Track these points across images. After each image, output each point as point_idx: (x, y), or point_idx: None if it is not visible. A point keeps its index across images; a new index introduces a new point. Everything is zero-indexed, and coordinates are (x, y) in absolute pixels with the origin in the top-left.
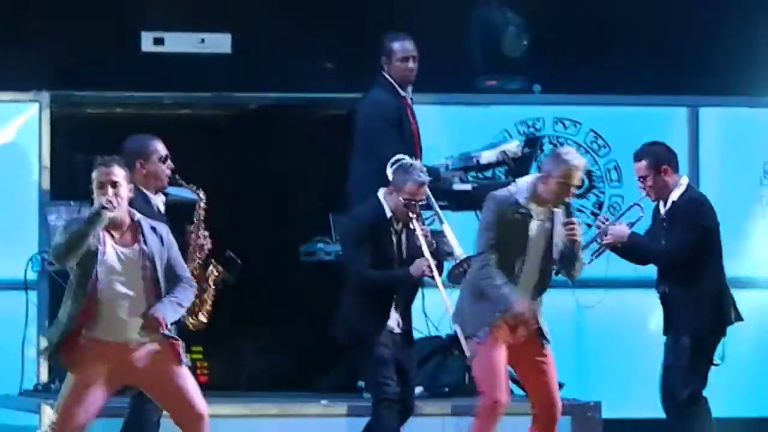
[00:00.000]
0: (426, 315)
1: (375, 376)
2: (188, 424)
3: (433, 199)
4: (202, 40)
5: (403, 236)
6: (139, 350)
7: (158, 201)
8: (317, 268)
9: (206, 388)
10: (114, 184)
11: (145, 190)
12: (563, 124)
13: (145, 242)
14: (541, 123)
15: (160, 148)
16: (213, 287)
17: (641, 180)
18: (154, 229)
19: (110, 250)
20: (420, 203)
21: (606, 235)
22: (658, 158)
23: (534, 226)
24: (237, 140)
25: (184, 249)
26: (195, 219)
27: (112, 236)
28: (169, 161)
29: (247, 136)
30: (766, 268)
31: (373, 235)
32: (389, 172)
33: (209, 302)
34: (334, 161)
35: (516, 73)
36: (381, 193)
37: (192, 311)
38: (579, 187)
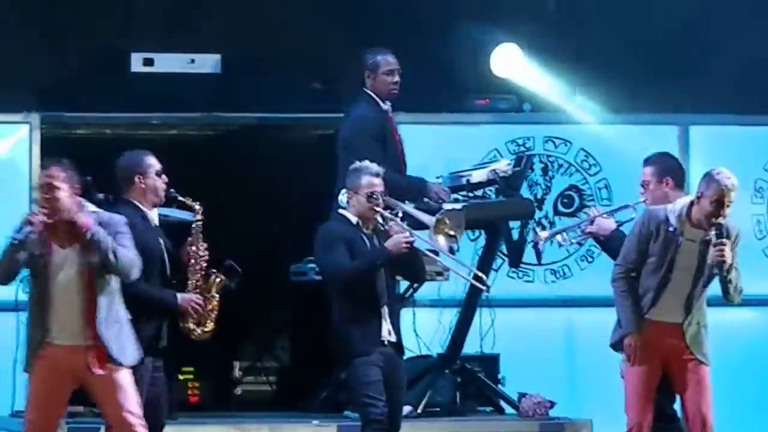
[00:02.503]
0: (417, 334)
1: (363, 397)
2: None
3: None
4: (192, 61)
5: (375, 241)
6: (85, 354)
7: (154, 216)
8: (307, 288)
9: (197, 409)
10: (50, 187)
11: (143, 207)
12: (553, 142)
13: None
14: (532, 142)
15: (155, 162)
16: (217, 296)
17: (643, 185)
18: (103, 224)
19: (55, 254)
20: (382, 194)
21: (591, 224)
22: (664, 168)
23: (684, 245)
24: (226, 160)
25: (185, 265)
26: (193, 232)
27: (57, 238)
28: (164, 176)
29: (236, 156)
30: (755, 286)
31: (345, 241)
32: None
33: (215, 312)
34: (322, 181)
35: (506, 92)
36: (341, 202)
37: (198, 322)
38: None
